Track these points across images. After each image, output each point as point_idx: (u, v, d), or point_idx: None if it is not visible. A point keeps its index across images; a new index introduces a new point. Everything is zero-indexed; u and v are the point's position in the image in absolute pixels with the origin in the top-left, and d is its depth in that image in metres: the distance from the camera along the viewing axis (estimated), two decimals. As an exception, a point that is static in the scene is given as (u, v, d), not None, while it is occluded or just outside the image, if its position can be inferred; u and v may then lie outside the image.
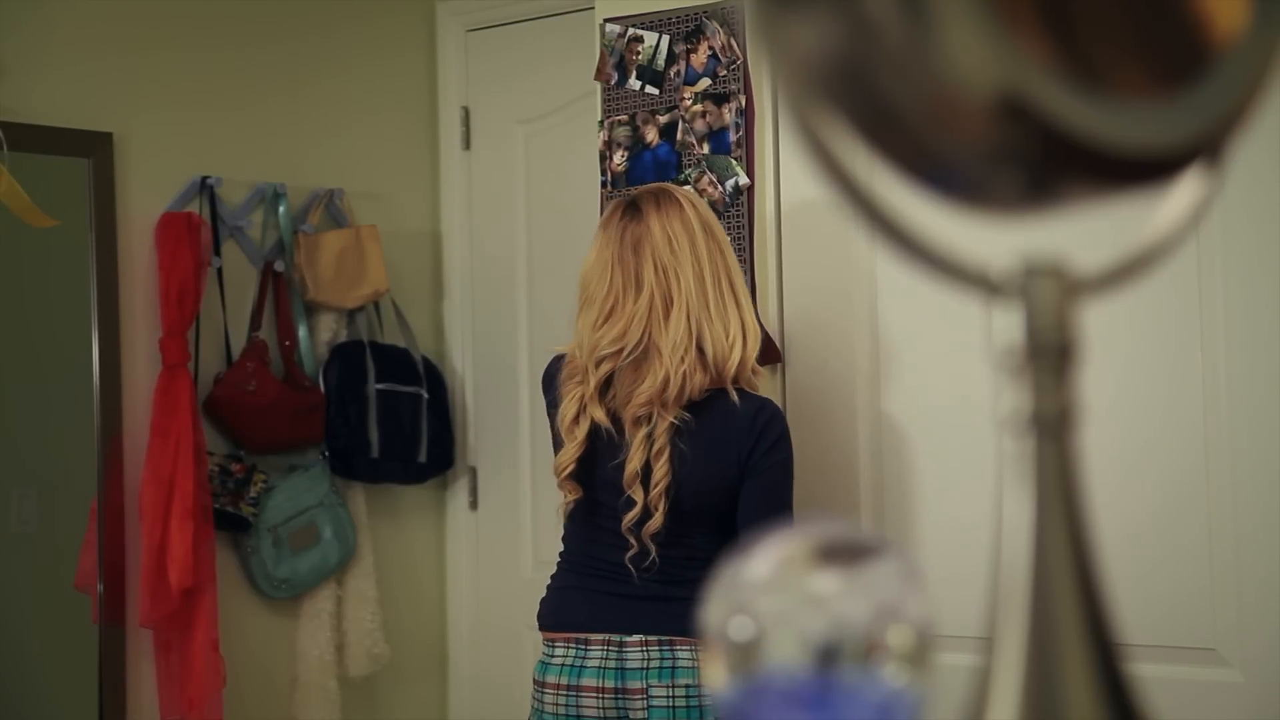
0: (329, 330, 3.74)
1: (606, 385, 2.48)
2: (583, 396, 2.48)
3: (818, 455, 2.90)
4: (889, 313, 2.82)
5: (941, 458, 2.74)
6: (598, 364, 2.46)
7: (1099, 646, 0.68)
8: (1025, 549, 0.68)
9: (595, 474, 2.51)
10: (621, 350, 2.44)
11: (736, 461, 2.47)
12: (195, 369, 3.46)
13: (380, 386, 3.75)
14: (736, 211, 2.96)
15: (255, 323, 3.62)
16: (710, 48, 3.01)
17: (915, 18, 0.61)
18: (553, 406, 2.60)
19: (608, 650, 2.49)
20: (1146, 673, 0.76)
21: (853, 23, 0.63)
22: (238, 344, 3.59)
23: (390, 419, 3.76)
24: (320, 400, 3.67)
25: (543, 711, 2.53)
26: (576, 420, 2.49)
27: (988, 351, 0.69)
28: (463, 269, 4.03)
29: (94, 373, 3.36)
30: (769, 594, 0.74)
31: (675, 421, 2.44)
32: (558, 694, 2.51)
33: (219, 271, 3.54)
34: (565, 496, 2.53)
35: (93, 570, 3.34)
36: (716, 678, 0.74)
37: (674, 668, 2.46)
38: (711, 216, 2.53)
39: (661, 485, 2.43)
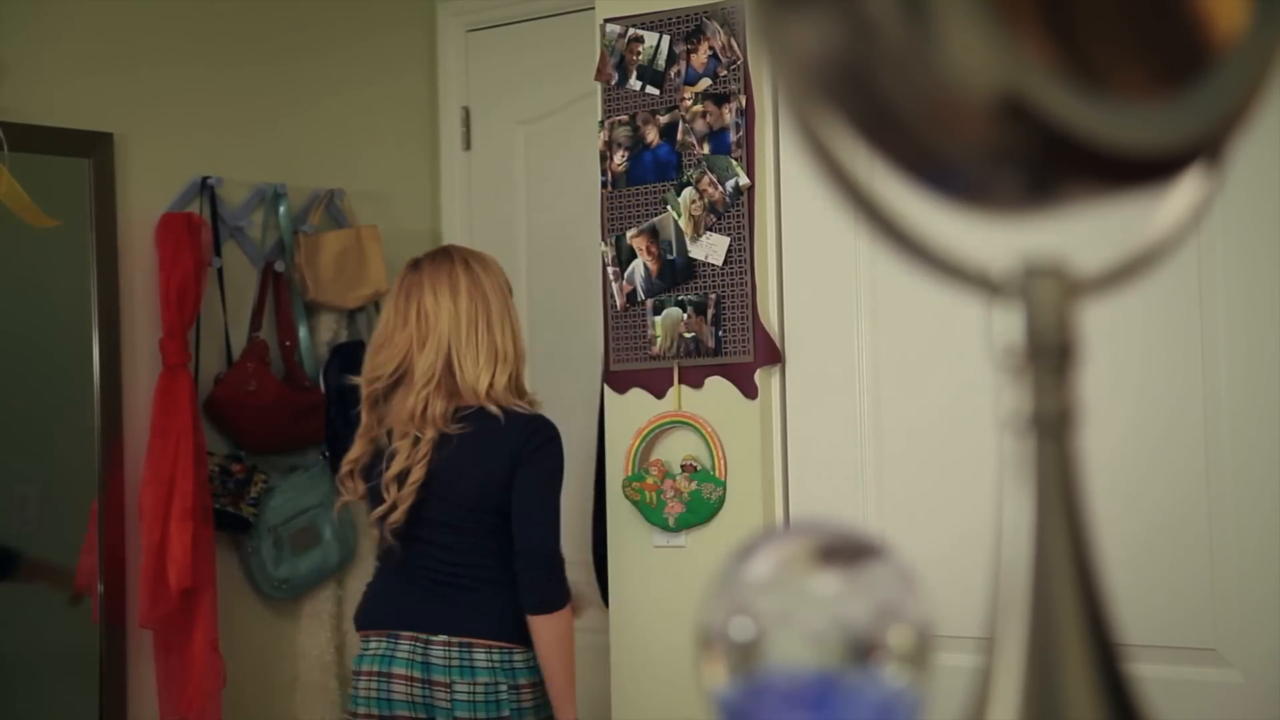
0: (329, 330, 3.74)
1: (384, 402, 2.93)
2: (366, 413, 2.94)
3: (817, 455, 2.90)
4: (889, 313, 2.82)
5: (942, 458, 2.74)
6: (369, 383, 2.94)
7: (1099, 647, 0.68)
8: (1025, 549, 0.68)
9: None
10: (383, 374, 2.91)
11: (507, 459, 2.85)
12: (195, 369, 3.46)
13: (380, 386, 3.75)
14: (736, 211, 2.96)
15: (255, 323, 3.62)
16: (710, 48, 3.00)
17: (915, 18, 0.61)
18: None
19: (415, 645, 2.85)
20: (1147, 673, 0.76)
21: (853, 23, 0.63)
22: (238, 344, 3.59)
23: (390, 419, 3.76)
24: (320, 400, 3.67)
25: (357, 697, 2.89)
26: (363, 433, 2.95)
27: (988, 352, 0.69)
28: (463, 269, 4.02)
29: (94, 373, 3.36)
30: (769, 594, 0.74)
31: (443, 433, 2.84)
32: (370, 680, 2.87)
33: (219, 272, 3.54)
34: (343, 495, 2.98)
35: (93, 571, 3.34)
36: (717, 678, 0.74)
37: (473, 667, 2.81)
38: (480, 270, 2.95)
39: (412, 486, 2.84)
